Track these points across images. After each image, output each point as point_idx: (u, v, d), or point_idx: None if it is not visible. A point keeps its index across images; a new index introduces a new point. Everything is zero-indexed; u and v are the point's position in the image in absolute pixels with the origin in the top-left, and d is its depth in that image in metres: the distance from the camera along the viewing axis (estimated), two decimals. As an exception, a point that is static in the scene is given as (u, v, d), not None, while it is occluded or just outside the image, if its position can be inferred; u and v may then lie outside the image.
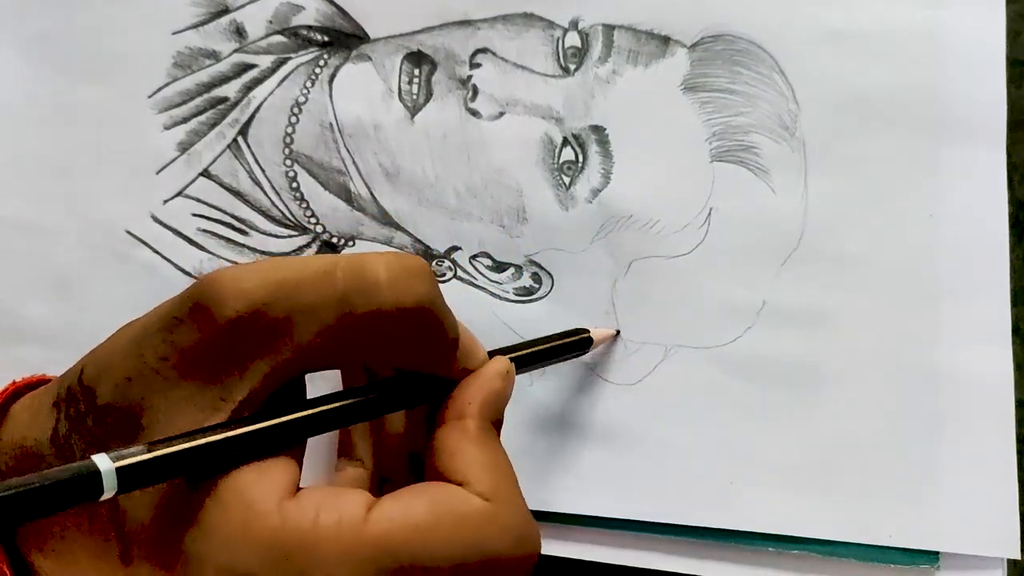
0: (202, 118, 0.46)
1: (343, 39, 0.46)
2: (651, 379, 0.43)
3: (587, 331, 0.41)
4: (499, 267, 0.45)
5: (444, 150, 0.45)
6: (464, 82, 0.46)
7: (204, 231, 0.46)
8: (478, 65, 0.46)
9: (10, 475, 0.30)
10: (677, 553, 0.42)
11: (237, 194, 0.46)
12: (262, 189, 0.46)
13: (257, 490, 0.28)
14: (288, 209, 0.46)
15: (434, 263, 0.45)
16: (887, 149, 0.43)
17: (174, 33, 0.47)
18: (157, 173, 0.46)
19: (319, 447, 0.39)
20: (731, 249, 0.43)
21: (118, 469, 0.27)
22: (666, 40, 0.45)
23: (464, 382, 0.33)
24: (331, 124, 0.46)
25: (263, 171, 0.46)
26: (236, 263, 0.45)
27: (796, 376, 0.42)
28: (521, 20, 0.46)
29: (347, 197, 0.45)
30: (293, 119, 0.46)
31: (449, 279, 0.45)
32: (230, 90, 0.46)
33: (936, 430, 0.41)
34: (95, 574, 0.29)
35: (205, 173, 0.46)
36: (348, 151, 0.45)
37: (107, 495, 0.27)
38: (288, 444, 0.30)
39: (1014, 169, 0.44)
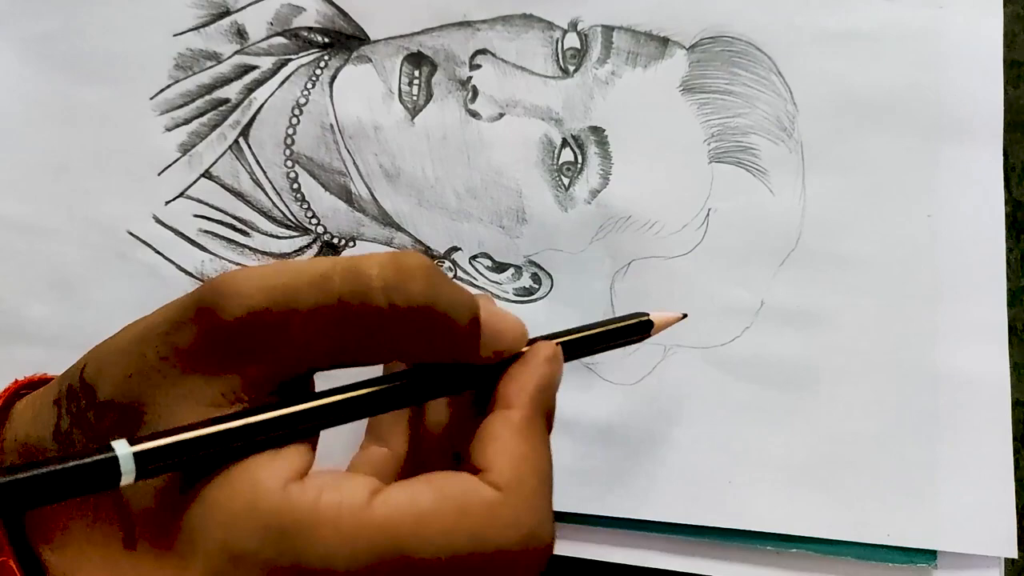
0: (203, 119, 0.46)
1: (344, 40, 0.47)
2: (650, 379, 0.43)
3: (647, 315, 0.39)
4: (499, 267, 0.45)
5: (444, 151, 0.45)
6: (464, 83, 0.46)
7: (205, 232, 0.46)
8: (478, 66, 0.46)
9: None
10: (677, 552, 0.43)
11: (238, 195, 0.46)
12: (263, 190, 0.46)
13: (266, 471, 0.29)
14: (289, 210, 0.46)
15: (434, 263, 0.45)
16: (885, 150, 0.44)
17: (175, 35, 0.47)
18: (159, 174, 0.46)
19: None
20: (729, 250, 0.44)
21: (136, 455, 0.27)
22: (665, 41, 0.46)
23: (510, 371, 0.33)
24: (332, 125, 0.46)
25: (264, 172, 0.46)
26: (238, 263, 0.45)
27: (794, 376, 0.43)
28: (521, 21, 0.46)
29: (348, 198, 0.46)
30: (294, 120, 0.46)
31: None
32: (231, 91, 0.46)
33: (933, 430, 0.42)
34: (101, 562, 0.30)
35: (206, 174, 0.46)
36: (349, 152, 0.46)
37: (125, 480, 0.27)
38: (304, 434, 0.30)
39: (1011, 169, 0.44)
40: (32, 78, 0.47)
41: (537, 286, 0.45)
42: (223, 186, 0.46)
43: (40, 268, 0.45)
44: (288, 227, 0.46)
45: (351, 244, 0.45)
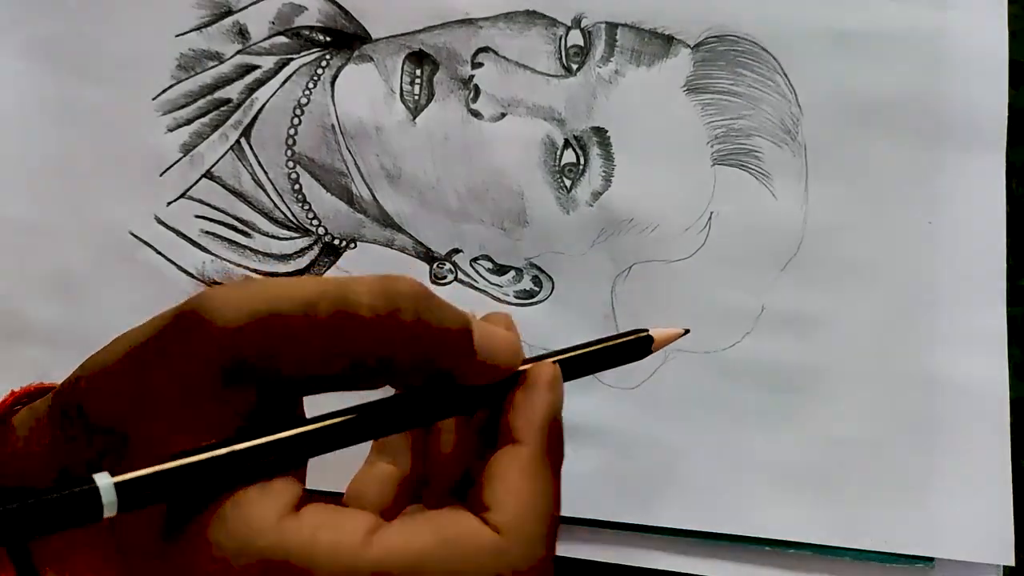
0: (205, 120, 0.46)
1: (345, 39, 0.46)
2: (650, 383, 0.43)
3: (646, 331, 0.36)
4: (500, 270, 0.45)
5: (445, 152, 0.45)
6: (466, 82, 0.46)
7: (207, 233, 0.46)
8: (480, 65, 0.46)
9: (12, 489, 0.30)
10: (677, 553, 0.43)
11: (239, 196, 0.46)
12: (264, 191, 0.46)
13: (257, 508, 0.28)
14: (290, 211, 0.46)
15: (435, 265, 0.45)
16: (888, 155, 0.43)
17: (178, 35, 0.47)
18: (160, 175, 0.46)
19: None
20: (731, 254, 0.44)
21: (118, 486, 0.27)
22: (669, 39, 0.45)
23: (515, 400, 0.32)
24: (333, 126, 0.46)
25: (265, 173, 0.46)
26: (239, 264, 0.45)
27: (794, 381, 0.43)
28: (523, 18, 0.46)
29: (349, 199, 0.45)
30: (295, 120, 0.46)
31: (450, 281, 0.45)
32: (233, 92, 0.46)
33: (932, 437, 0.42)
34: None
35: (208, 175, 0.46)
36: (350, 152, 0.45)
37: (108, 513, 0.27)
38: (292, 463, 0.30)
39: (1013, 170, 0.44)
40: (35, 79, 0.47)
41: (538, 289, 0.45)
42: (224, 187, 0.46)
43: (42, 268, 0.46)
44: (289, 228, 0.46)
45: (352, 245, 0.45)
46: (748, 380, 0.43)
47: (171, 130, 0.46)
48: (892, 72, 0.44)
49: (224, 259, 0.46)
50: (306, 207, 0.46)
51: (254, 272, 0.45)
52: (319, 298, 0.29)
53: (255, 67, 0.46)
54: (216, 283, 0.45)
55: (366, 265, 0.45)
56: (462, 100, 0.45)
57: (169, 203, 0.46)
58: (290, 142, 0.46)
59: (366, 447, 0.36)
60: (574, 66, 0.45)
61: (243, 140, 0.46)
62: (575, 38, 0.46)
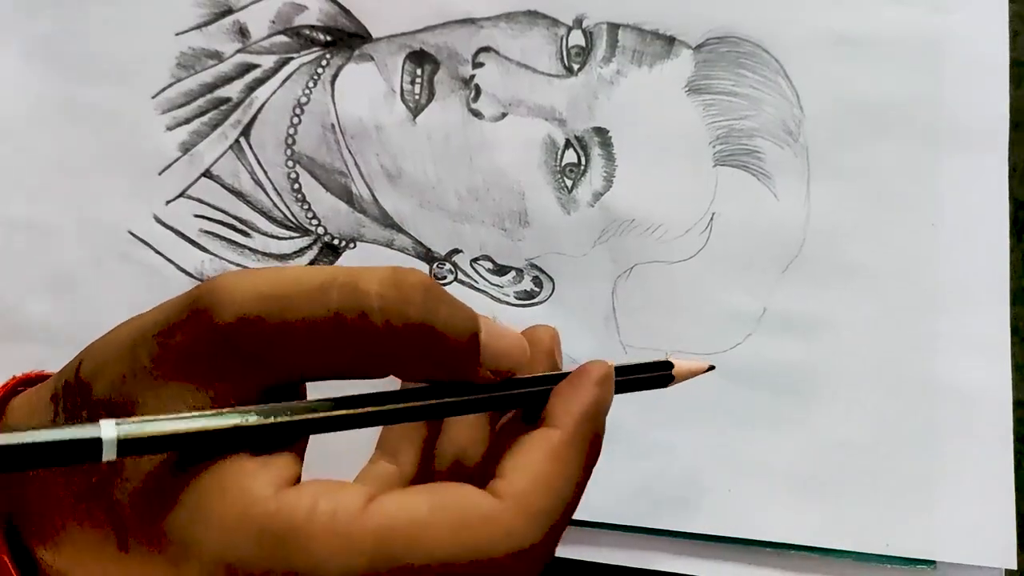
0: (204, 119, 0.46)
1: (346, 38, 0.46)
2: (651, 385, 0.43)
3: (671, 364, 0.35)
4: (500, 270, 0.45)
5: (446, 152, 0.45)
6: (467, 82, 0.45)
7: (206, 232, 0.46)
8: (481, 64, 0.46)
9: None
10: (677, 553, 0.43)
11: (239, 195, 0.46)
12: (264, 190, 0.46)
13: (257, 479, 0.29)
14: (290, 210, 0.46)
15: (435, 265, 0.45)
16: (890, 157, 0.43)
17: (178, 34, 0.46)
18: (159, 174, 0.46)
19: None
20: (733, 255, 0.43)
21: (120, 431, 0.27)
22: (671, 40, 0.45)
23: (559, 389, 0.32)
24: (333, 125, 0.46)
25: (265, 172, 0.46)
26: (238, 264, 0.45)
27: (796, 383, 0.43)
28: (525, 18, 0.46)
29: (348, 198, 0.45)
30: (295, 120, 0.46)
31: (450, 282, 0.45)
32: (233, 90, 0.46)
33: (934, 439, 0.42)
34: (96, 563, 0.30)
35: (207, 174, 0.46)
36: (350, 152, 0.45)
37: (107, 456, 0.27)
38: (291, 440, 0.30)
39: (1013, 169, 0.44)
40: (34, 78, 0.47)
41: (538, 289, 0.44)
42: (223, 186, 0.46)
43: (41, 267, 0.45)
44: (288, 228, 0.46)
45: (351, 245, 0.45)
46: (749, 382, 0.43)
47: (170, 129, 0.46)
48: (894, 74, 0.44)
49: (223, 258, 0.45)
50: (305, 207, 0.46)
51: (254, 272, 0.45)
52: (330, 284, 0.29)
53: (255, 66, 0.46)
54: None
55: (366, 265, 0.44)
56: (463, 100, 0.45)
57: (168, 202, 0.46)
58: (290, 141, 0.46)
59: (369, 443, 0.36)
60: (575, 66, 0.45)
61: (242, 139, 0.46)
62: (576, 38, 0.45)
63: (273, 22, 0.46)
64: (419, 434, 0.36)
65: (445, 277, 0.45)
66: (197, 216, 0.46)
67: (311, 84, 0.46)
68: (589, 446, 0.32)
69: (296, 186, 0.46)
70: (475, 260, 0.45)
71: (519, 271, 0.45)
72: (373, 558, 0.28)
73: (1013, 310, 0.42)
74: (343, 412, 0.30)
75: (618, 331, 0.44)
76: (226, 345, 0.29)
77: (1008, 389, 0.42)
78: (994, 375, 0.42)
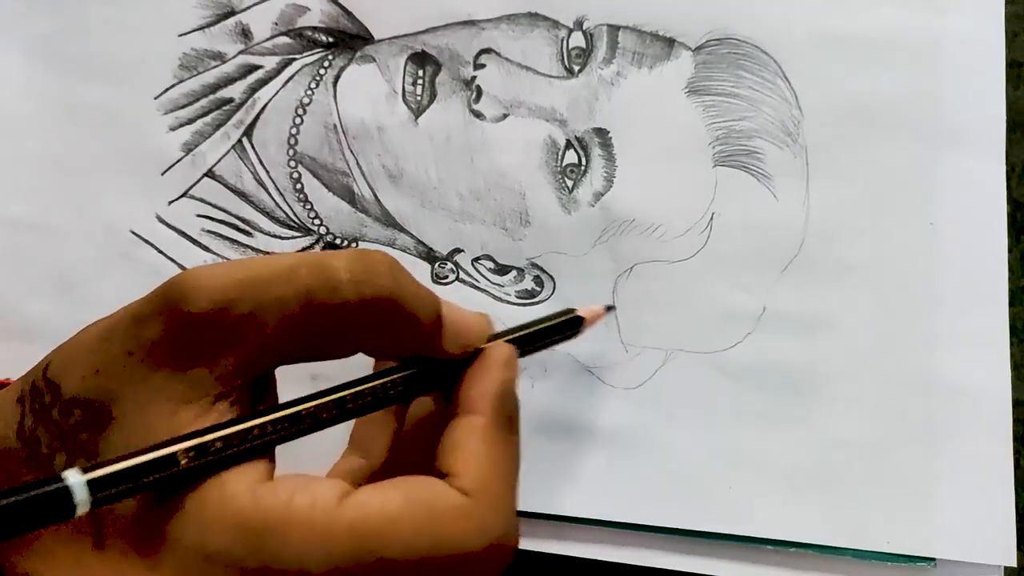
0: (207, 119, 0.46)
1: (348, 40, 0.47)
2: (651, 383, 0.43)
3: (574, 311, 0.40)
4: (501, 270, 0.45)
5: (447, 152, 0.45)
6: (468, 83, 0.46)
7: (208, 232, 0.46)
8: (482, 66, 0.46)
9: None
10: (677, 552, 0.43)
11: (241, 195, 0.46)
12: (266, 190, 0.46)
13: (233, 477, 0.29)
14: (292, 210, 0.46)
15: (437, 265, 0.45)
16: (888, 157, 0.44)
17: (180, 35, 0.47)
18: (162, 174, 0.46)
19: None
20: (732, 255, 0.44)
21: (90, 483, 0.27)
22: (671, 42, 0.45)
23: (469, 375, 0.34)
24: (335, 125, 0.46)
25: (267, 172, 0.46)
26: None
27: (796, 382, 0.43)
28: (526, 20, 0.46)
29: (350, 199, 0.46)
30: (297, 120, 0.46)
31: (451, 281, 0.45)
32: (235, 91, 0.46)
33: (934, 437, 0.42)
34: (70, 561, 0.30)
35: (210, 174, 0.46)
36: (352, 152, 0.46)
37: (81, 511, 0.27)
38: (264, 448, 0.30)
39: (1012, 170, 0.44)
40: (37, 78, 0.47)
41: (539, 289, 0.45)
42: (226, 186, 0.46)
43: (43, 267, 0.46)
44: (291, 227, 0.46)
45: (353, 245, 0.45)
46: (749, 381, 0.43)
47: (173, 129, 0.46)
48: (892, 75, 0.44)
49: (226, 258, 0.46)
50: (308, 207, 0.46)
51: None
52: (298, 265, 0.30)
53: (257, 67, 0.46)
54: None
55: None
56: (464, 101, 0.46)
57: (171, 202, 0.46)
58: (292, 142, 0.46)
59: (339, 441, 0.37)
60: (576, 68, 0.46)
61: (245, 139, 0.46)
62: (577, 40, 0.46)
63: (275, 23, 0.47)
64: (389, 427, 0.36)
65: (447, 276, 0.45)
66: (200, 216, 0.46)
67: (313, 85, 0.46)
68: (510, 422, 0.34)
69: (298, 186, 0.46)
70: (476, 260, 0.45)
71: (520, 271, 0.45)
72: (350, 551, 0.29)
73: (1012, 310, 0.42)
74: (310, 405, 0.31)
75: (618, 330, 0.44)
76: (200, 332, 0.29)
77: (1007, 388, 0.42)
78: (993, 374, 0.42)
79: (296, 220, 0.46)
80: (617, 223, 0.44)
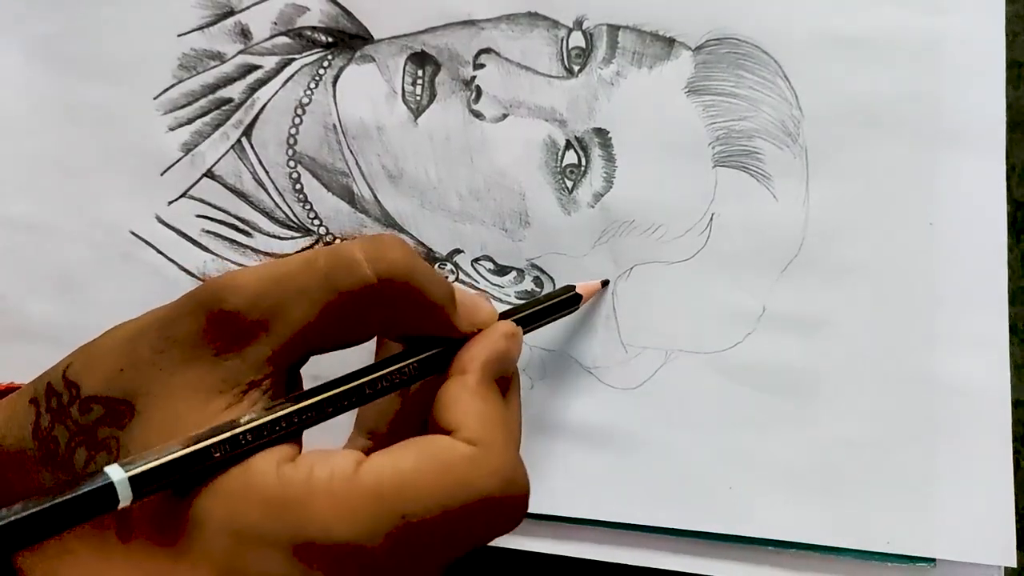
0: (206, 119, 0.46)
1: (347, 40, 0.46)
2: (651, 383, 0.43)
3: (574, 287, 0.42)
4: (501, 271, 0.45)
5: (447, 152, 0.45)
6: (468, 83, 0.46)
7: (208, 232, 0.46)
8: (482, 66, 0.46)
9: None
10: (677, 552, 0.43)
11: (241, 195, 0.46)
12: (265, 190, 0.46)
13: (259, 459, 0.30)
14: (291, 210, 0.46)
15: (436, 266, 0.45)
16: (888, 157, 0.44)
17: (179, 35, 0.47)
18: (162, 174, 0.46)
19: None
20: (732, 255, 0.44)
21: (131, 479, 0.28)
22: (671, 42, 0.45)
23: (468, 342, 0.35)
24: (334, 126, 0.46)
25: (267, 172, 0.46)
26: (240, 264, 0.46)
27: (795, 382, 0.43)
28: (525, 20, 0.46)
29: (350, 199, 0.46)
30: (297, 120, 0.46)
31: (451, 282, 0.45)
32: (234, 91, 0.46)
33: (934, 437, 0.42)
34: (96, 557, 0.30)
35: (209, 174, 0.46)
36: (351, 153, 0.46)
37: (123, 505, 0.28)
38: (293, 434, 0.31)
39: (1012, 170, 0.44)
40: (37, 78, 0.47)
41: (539, 290, 0.45)
42: (225, 186, 0.46)
43: (43, 267, 0.46)
44: (290, 228, 0.46)
45: (353, 245, 0.45)
46: (749, 381, 0.43)
47: (172, 129, 0.46)
48: (892, 75, 0.44)
49: (225, 258, 0.46)
50: (307, 207, 0.46)
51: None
52: (315, 255, 0.32)
53: (257, 67, 0.46)
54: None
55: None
56: (464, 101, 0.46)
57: (170, 202, 0.46)
58: (291, 142, 0.46)
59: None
60: (576, 67, 0.46)
61: (244, 139, 0.46)
62: (577, 40, 0.46)
63: (275, 23, 0.47)
64: (392, 408, 0.37)
65: (446, 277, 0.45)
66: (199, 216, 0.46)
67: (313, 85, 0.46)
68: (498, 385, 0.35)
69: (298, 186, 0.46)
70: (476, 260, 0.45)
71: (520, 271, 0.45)
72: (374, 513, 0.29)
73: (1012, 310, 0.42)
74: (330, 393, 0.32)
75: (618, 330, 0.44)
76: (233, 324, 0.30)
77: (1007, 388, 0.42)
78: (993, 374, 0.42)
79: (295, 220, 0.46)
80: (617, 224, 0.44)
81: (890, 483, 0.42)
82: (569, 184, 0.45)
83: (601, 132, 0.45)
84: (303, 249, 0.46)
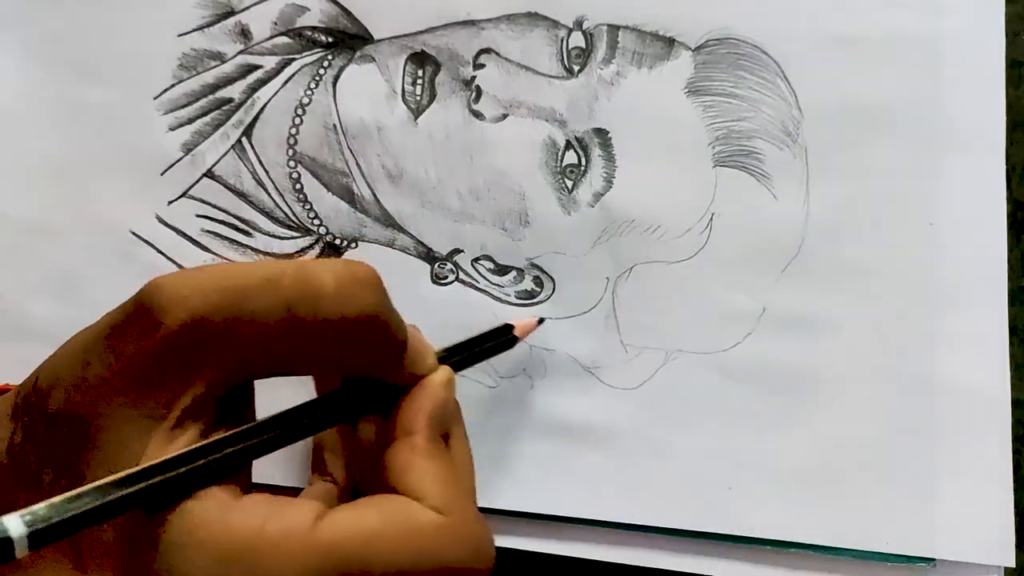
0: (207, 119, 0.46)
1: (347, 40, 0.46)
2: (651, 384, 0.43)
3: (511, 327, 0.41)
4: (501, 270, 0.45)
5: (447, 152, 0.45)
6: (468, 83, 0.46)
7: (208, 232, 0.46)
8: (482, 66, 0.46)
9: None
10: (677, 552, 0.43)
11: (241, 195, 0.46)
12: (265, 190, 0.46)
13: (198, 501, 0.29)
14: (291, 210, 0.46)
15: (436, 265, 0.45)
16: (888, 157, 0.44)
17: (180, 35, 0.47)
18: (162, 174, 0.46)
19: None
20: (732, 255, 0.44)
21: (29, 535, 0.26)
22: (671, 42, 0.45)
23: (409, 396, 0.34)
24: (335, 125, 0.46)
25: (267, 172, 0.46)
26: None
27: (795, 382, 0.43)
28: (525, 20, 0.46)
29: (350, 199, 0.46)
30: (297, 120, 0.46)
31: (451, 281, 0.45)
32: (235, 91, 0.46)
33: (933, 438, 0.42)
34: None
35: (209, 174, 0.46)
36: (351, 152, 0.46)
37: (20, 554, 0.26)
38: (232, 471, 0.30)
39: (1012, 170, 0.44)
40: (36, 78, 0.47)
41: (539, 289, 0.45)
42: (225, 186, 0.46)
43: (43, 267, 0.46)
44: (290, 227, 0.46)
45: (353, 245, 0.45)
46: (749, 381, 0.43)
47: (172, 129, 0.46)
48: (892, 75, 0.44)
49: (225, 258, 0.46)
50: (307, 207, 0.46)
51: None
52: (280, 276, 0.29)
53: (257, 67, 0.46)
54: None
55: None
56: (464, 101, 0.46)
57: (170, 202, 0.46)
58: (291, 142, 0.46)
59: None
60: (576, 68, 0.46)
61: (244, 139, 0.46)
62: (577, 40, 0.46)
63: (275, 23, 0.47)
64: (340, 445, 0.37)
65: (446, 277, 0.45)
66: (199, 216, 0.46)
67: (313, 85, 0.46)
68: (444, 442, 0.34)
69: (298, 186, 0.46)
70: (476, 260, 0.45)
71: (520, 271, 0.45)
72: (328, 572, 0.28)
73: (1012, 310, 0.42)
74: (277, 424, 0.31)
75: (618, 330, 0.44)
76: (176, 346, 0.28)
77: (1007, 388, 0.42)
78: (993, 374, 0.42)
79: (295, 220, 0.46)
80: (617, 223, 0.44)
81: (890, 483, 0.42)
82: (569, 184, 0.45)
83: (601, 132, 0.45)
84: (303, 249, 0.46)
